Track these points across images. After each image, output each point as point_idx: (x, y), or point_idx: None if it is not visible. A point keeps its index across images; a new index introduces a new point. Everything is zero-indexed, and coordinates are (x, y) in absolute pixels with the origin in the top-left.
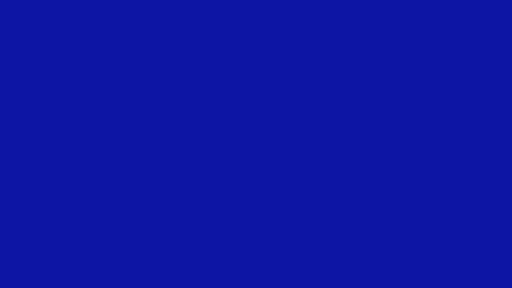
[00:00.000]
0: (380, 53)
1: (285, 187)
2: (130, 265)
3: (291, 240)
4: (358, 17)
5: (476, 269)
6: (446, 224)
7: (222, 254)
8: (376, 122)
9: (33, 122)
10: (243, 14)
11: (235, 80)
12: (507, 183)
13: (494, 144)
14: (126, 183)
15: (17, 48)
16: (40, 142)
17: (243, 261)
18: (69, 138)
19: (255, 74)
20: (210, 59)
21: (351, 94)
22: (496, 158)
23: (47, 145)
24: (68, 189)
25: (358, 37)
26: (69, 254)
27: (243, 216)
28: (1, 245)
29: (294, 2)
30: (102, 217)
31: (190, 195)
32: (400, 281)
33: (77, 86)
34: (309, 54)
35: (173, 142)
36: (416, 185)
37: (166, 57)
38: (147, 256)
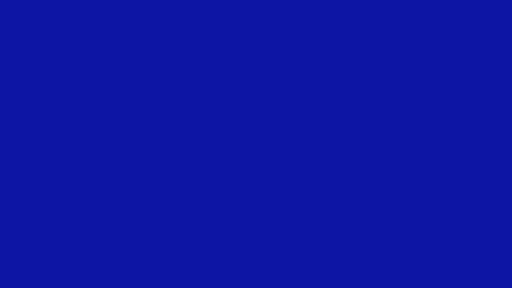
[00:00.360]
0: (380, 53)
1: (285, 187)
2: (130, 265)
3: (291, 240)
4: (358, 17)
5: (476, 269)
6: (447, 224)
7: (222, 254)
8: (376, 122)
9: (33, 122)
10: (243, 14)
11: (235, 80)
12: (507, 183)
13: (494, 144)
14: (126, 183)
15: (17, 48)
16: (40, 142)
17: (243, 261)
18: (69, 138)
19: (255, 74)
20: (210, 59)
21: (351, 94)
22: (496, 158)
23: (47, 145)
24: (68, 189)
25: (358, 37)
26: (69, 254)
27: (243, 216)
28: (1, 245)
29: (294, 2)
30: (102, 217)
31: (190, 195)
32: (400, 281)
33: (77, 86)
34: (309, 54)
35: (173, 142)
36: (416, 185)
37: (166, 57)
38: (147, 256)
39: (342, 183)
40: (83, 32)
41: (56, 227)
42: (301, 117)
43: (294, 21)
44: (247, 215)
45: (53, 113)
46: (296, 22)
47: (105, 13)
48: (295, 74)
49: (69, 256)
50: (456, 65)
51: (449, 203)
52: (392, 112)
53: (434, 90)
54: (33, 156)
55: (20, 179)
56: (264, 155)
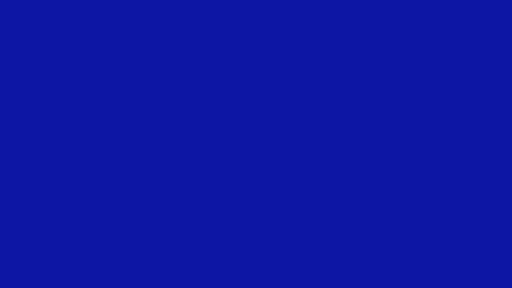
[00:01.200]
0: (380, 53)
1: (285, 187)
2: (130, 265)
3: (291, 240)
4: (358, 17)
5: (476, 269)
6: (447, 224)
7: (222, 254)
8: (376, 122)
9: (33, 122)
10: (243, 14)
11: (235, 80)
12: (507, 183)
13: (494, 144)
14: (126, 183)
15: (17, 48)
16: (40, 142)
17: (243, 261)
18: (69, 138)
19: (255, 74)
20: (210, 59)
21: (351, 94)
22: (496, 158)
23: (47, 145)
24: (68, 189)
25: (358, 37)
26: (69, 254)
27: (243, 216)
28: (1, 245)
29: (294, 2)
30: (102, 217)
31: (190, 195)
32: (400, 281)
33: (77, 86)
34: (309, 54)
35: (173, 142)
36: (416, 185)
37: (166, 57)
38: (147, 256)
39: (341, 183)
40: (83, 32)
41: (56, 227)
42: (301, 117)
43: (294, 21)
44: (247, 215)
45: (53, 113)
46: (296, 22)
47: (105, 13)
48: (295, 74)
49: (69, 256)
50: (456, 65)
51: (449, 203)
52: (392, 112)
53: (434, 90)
54: (33, 156)
55: (20, 179)
56: (264, 155)
